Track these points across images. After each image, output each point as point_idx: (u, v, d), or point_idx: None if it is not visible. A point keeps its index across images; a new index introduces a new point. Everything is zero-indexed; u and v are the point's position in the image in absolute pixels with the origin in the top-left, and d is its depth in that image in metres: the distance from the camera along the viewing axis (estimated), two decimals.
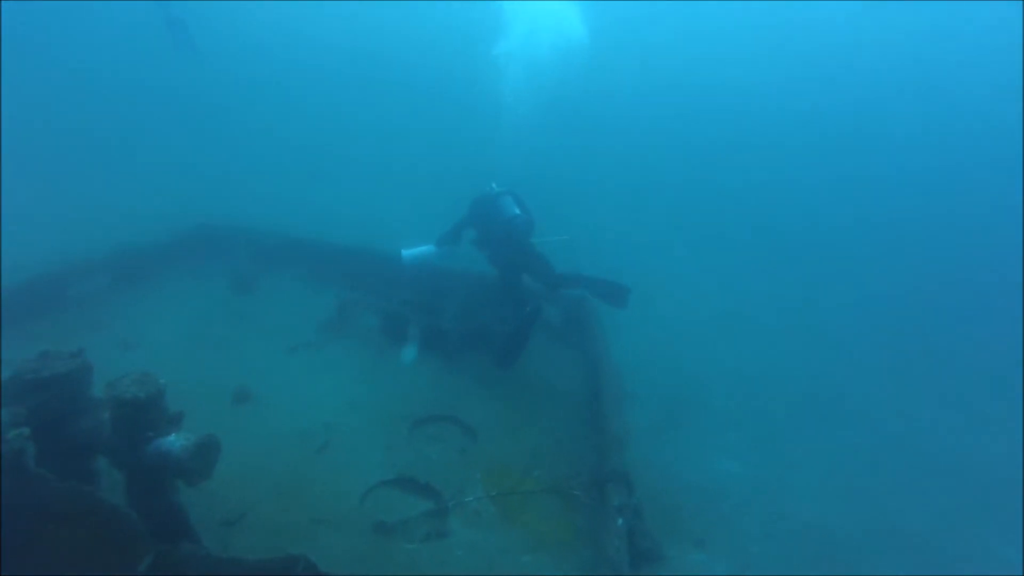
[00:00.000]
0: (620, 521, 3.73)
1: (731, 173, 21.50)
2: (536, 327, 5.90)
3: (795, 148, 23.56)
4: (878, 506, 5.63)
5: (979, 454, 6.98)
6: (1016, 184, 20.05)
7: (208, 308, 6.55)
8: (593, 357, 5.84)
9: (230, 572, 2.50)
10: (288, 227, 8.39)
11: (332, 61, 26.59)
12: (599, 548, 3.59)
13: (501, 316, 6.26)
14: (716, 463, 5.68)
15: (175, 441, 2.91)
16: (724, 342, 8.86)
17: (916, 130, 24.18)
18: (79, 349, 3.06)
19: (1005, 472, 6.58)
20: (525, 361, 5.99)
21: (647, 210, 17.24)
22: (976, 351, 10.10)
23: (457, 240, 6.76)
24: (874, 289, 12.75)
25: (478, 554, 3.66)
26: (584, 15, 12.17)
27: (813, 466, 5.98)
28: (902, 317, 11.19)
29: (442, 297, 6.54)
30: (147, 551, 2.47)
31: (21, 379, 2.83)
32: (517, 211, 6.27)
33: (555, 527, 4.00)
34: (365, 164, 17.48)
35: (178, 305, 6.53)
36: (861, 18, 26.85)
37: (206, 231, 8.19)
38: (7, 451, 2.44)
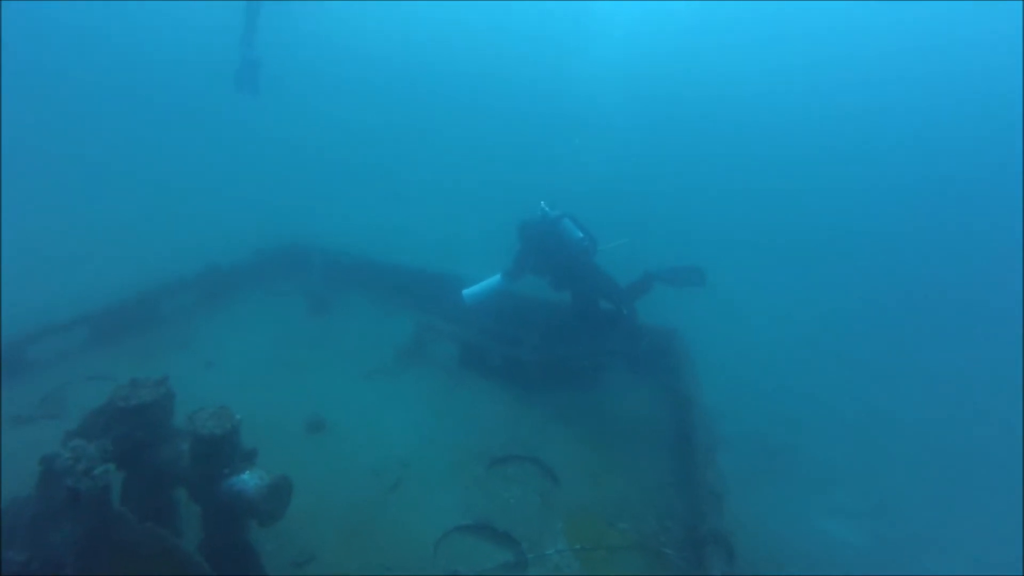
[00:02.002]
0: None
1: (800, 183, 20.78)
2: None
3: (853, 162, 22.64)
4: None
5: None
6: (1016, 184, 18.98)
7: (286, 328, 6.60)
8: (681, 394, 5.38)
9: None
10: (365, 247, 8.44)
11: (411, 81, 27.52)
12: None
13: (583, 346, 5.91)
14: (821, 523, 5.04)
15: (249, 480, 2.76)
16: (818, 374, 8.08)
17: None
18: (163, 377, 2.98)
19: None
20: (608, 396, 5.62)
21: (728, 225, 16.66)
22: None
23: (523, 273, 6.31)
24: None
25: None
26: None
27: (941, 534, 5.21)
28: None
29: (521, 326, 6.27)
30: None
31: (112, 407, 2.76)
32: (580, 234, 5.97)
33: None
34: (445, 185, 17.75)
35: (258, 325, 6.62)
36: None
37: (286, 250, 8.36)
38: (93, 487, 2.35)
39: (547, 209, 6.21)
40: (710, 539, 3.68)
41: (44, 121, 15.49)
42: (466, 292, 6.30)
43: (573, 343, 6.03)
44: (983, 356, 9.41)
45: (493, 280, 6.36)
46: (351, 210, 14.11)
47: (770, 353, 8.53)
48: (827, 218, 18.56)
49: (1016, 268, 13.95)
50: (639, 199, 17.63)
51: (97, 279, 6.97)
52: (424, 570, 3.52)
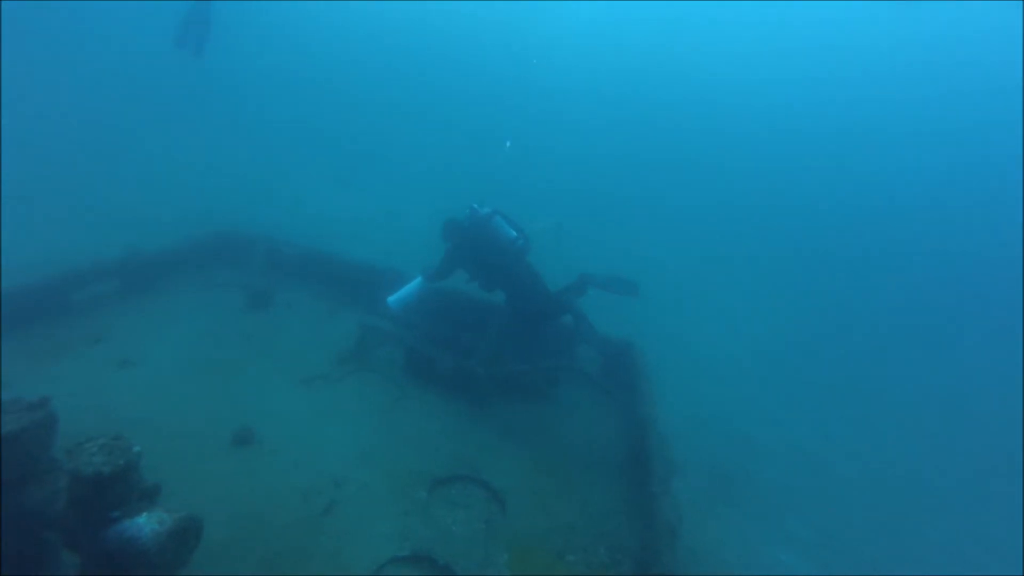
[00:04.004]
0: None
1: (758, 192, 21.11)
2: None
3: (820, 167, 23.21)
4: None
5: None
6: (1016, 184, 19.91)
7: (219, 325, 6.05)
8: (637, 416, 5.17)
9: None
10: (311, 239, 7.92)
11: (365, 64, 26.70)
12: None
13: (536, 359, 5.64)
14: (772, 553, 4.93)
15: (144, 525, 2.35)
16: (779, 396, 8.07)
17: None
18: (43, 398, 2.50)
19: None
20: (561, 412, 5.37)
21: (686, 232, 16.72)
22: None
23: (450, 274, 6.04)
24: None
25: None
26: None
27: (889, 568, 5.18)
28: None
29: (474, 331, 5.94)
30: None
31: None
32: (514, 233, 5.75)
33: None
34: (406, 178, 17.16)
35: (187, 319, 6.05)
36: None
37: (224, 238, 7.74)
38: None
39: (476, 207, 5.90)
40: None
41: None
42: (391, 299, 6.02)
43: (526, 354, 5.77)
44: (942, 386, 9.63)
45: (415, 283, 6.04)
46: (305, 200, 13.40)
47: (730, 370, 8.48)
48: (800, 231, 18.84)
49: (992, 292, 14.32)
50: (606, 199, 17.55)
51: None
52: None
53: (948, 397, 9.51)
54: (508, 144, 23.93)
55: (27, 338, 5.13)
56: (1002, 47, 23.76)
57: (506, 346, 5.77)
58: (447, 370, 5.33)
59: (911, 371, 10.60)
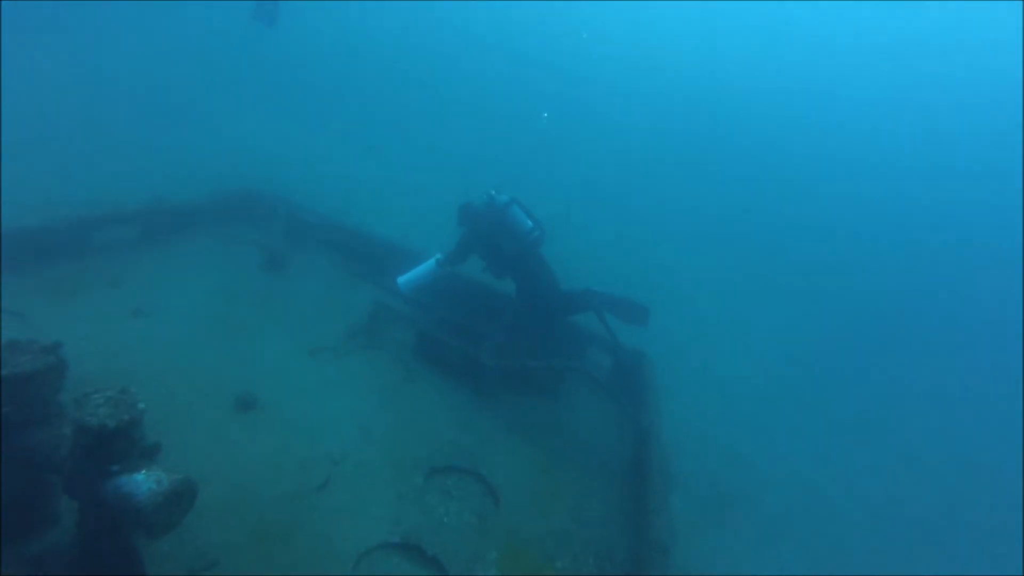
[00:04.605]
0: None
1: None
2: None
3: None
4: None
5: None
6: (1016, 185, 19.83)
7: (233, 282, 6.04)
8: (640, 426, 5.11)
9: None
10: (335, 208, 7.88)
11: (416, 54, 26.63)
12: None
13: (547, 355, 5.59)
14: None
15: (143, 483, 2.32)
16: (785, 418, 7.95)
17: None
18: (55, 343, 2.48)
19: None
20: (566, 411, 5.32)
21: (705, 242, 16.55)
22: None
23: (465, 259, 6.00)
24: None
25: None
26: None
27: None
28: None
29: (487, 320, 5.89)
30: None
31: None
32: (530, 223, 5.68)
33: None
34: (436, 156, 17.10)
35: (202, 273, 6.04)
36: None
37: (248, 197, 7.73)
38: None
39: (494, 194, 5.83)
40: None
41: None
42: (401, 279, 5.97)
43: (537, 350, 5.71)
44: (951, 419, 9.48)
45: (428, 265, 5.99)
46: (333, 165, 13.37)
47: (737, 386, 8.39)
48: (818, 246, 18.57)
49: (998, 324, 14.13)
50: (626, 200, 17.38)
51: (24, 196, 6.22)
52: None
53: (955, 433, 9.37)
54: (545, 115, 23.86)
55: (49, 274, 5.16)
56: (1002, 47, 23.60)
57: (518, 340, 5.71)
58: (456, 357, 5.28)
59: (922, 405, 10.46)
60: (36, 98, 10.39)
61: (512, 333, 5.78)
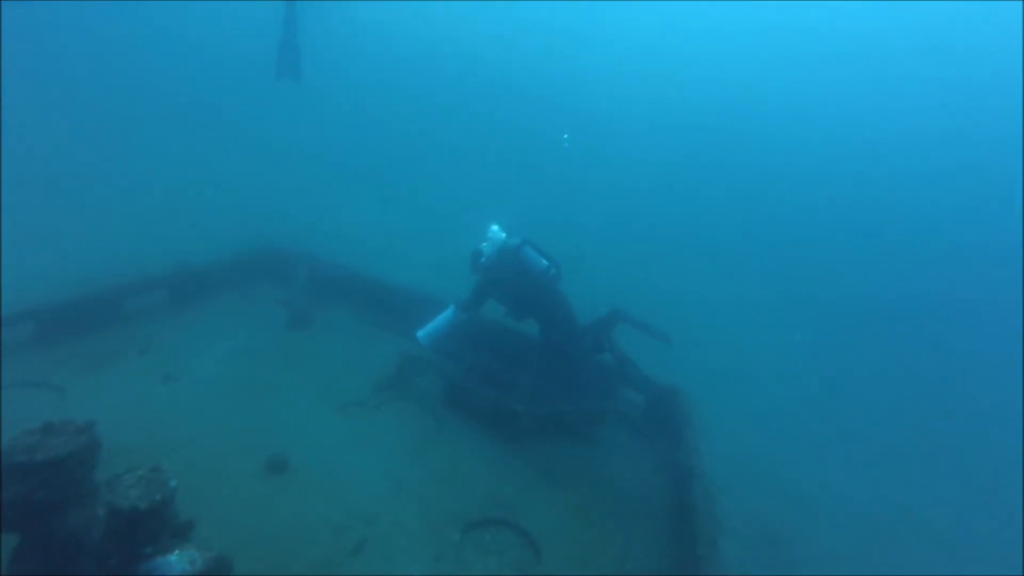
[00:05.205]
0: None
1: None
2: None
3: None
4: None
5: None
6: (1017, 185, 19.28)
7: (260, 342, 6.07)
8: (681, 466, 4.91)
9: None
10: (359, 260, 7.95)
11: (423, 85, 27.20)
12: None
13: (579, 399, 5.46)
14: None
15: (175, 564, 2.26)
16: (835, 451, 7.58)
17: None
18: (89, 423, 2.46)
19: None
20: (603, 455, 5.15)
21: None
22: None
23: (482, 306, 5.95)
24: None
25: None
26: None
27: None
28: None
29: (515, 366, 5.79)
30: None
31: (11, 460, 2.24)
32: (545, 262, 5.67)
33: None
34: (453, 198, 17.29)
35: (229, 335, 6.09)
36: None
37: (269, 255, 7.85)
38: None
39: (504, 237, 5.82)
40: None
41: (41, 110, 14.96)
42: (420, 333, 5.85)
43: (568, 393, 5.59)
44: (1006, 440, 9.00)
45: (446, 315, 5.92)
46: (350, 218, 13.59)
47: (780, 420, 8.08)
48: (840, 259, 18.21)
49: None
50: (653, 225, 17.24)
51: (54, 270, 6.40)
52: None
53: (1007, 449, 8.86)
54: (566, 137, 23.94)
55: (81, 344, 5.25)
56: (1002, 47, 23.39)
57: (547, 384, 5.60)
58: (487, 405, 5.19)
59: (965, 414, 9.98)
60: (39, 174, 10.82)
61: (540, 376, 5.68)
